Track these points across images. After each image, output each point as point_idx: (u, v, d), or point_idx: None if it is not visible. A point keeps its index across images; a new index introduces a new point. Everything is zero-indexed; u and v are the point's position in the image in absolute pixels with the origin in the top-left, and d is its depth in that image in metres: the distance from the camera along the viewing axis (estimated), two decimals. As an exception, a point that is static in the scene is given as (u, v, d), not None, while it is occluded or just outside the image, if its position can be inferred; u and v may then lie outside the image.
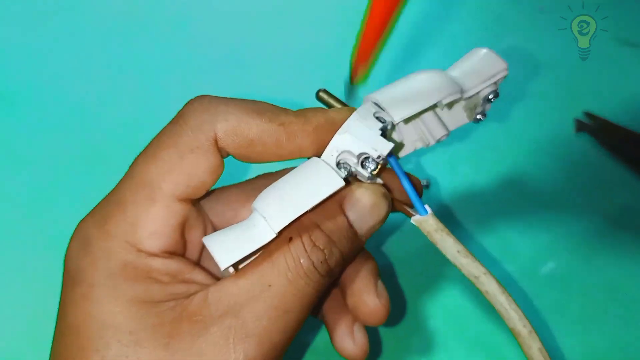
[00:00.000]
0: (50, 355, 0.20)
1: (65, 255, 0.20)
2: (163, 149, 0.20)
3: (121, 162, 0.37)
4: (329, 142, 0.21)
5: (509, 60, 0.49)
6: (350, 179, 0.22)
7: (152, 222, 0.20)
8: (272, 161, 0.22)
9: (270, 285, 0.19)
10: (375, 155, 0.21)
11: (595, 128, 0.41)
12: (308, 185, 0.20)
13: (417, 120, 0.25)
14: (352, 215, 0.21)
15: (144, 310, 0.19)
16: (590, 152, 0.40)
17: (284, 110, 0.21)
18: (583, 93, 0.44)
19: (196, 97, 0.21)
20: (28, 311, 0.31)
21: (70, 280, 0.19)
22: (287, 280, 0.19)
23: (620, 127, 0.40)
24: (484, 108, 0.26)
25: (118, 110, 0.42)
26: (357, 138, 0.21)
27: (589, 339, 0.31)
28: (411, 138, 0.26)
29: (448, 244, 0.22)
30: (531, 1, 0.51)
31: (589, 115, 0.42)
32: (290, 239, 0.20)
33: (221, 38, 0.48)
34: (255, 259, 0.20)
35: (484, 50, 0.25)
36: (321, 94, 0.24)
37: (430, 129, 0.25)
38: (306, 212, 0.20)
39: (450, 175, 0.39)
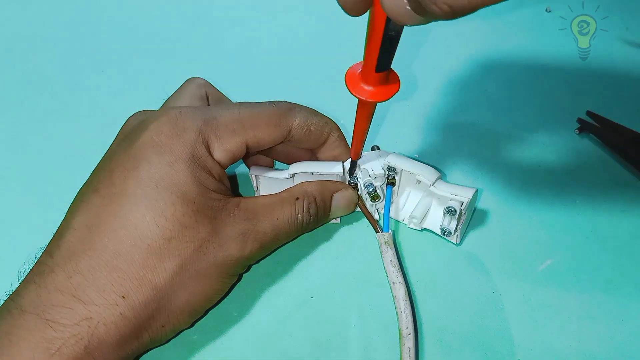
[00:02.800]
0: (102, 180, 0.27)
1: (152, 125, 0.28)
2: (262, 110, 0.31)
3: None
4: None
5: (513, 61, 0.49)
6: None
7: (229, 144, 0.30)
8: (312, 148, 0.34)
9: (277, 219, 0.30)
10: (371, 172, 0.34)
11: (599, 128, 0.41)
12: (323, 165, 0.34)
13: (410, 200, 0.36)
14: (333, 203, 0.34)
15: (203, 190, 0.28)
16: (593, 153, 0.40)
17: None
18: (585, 93, 0.44)
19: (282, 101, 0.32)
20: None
21: (157, 147, 0.27)
22: (287, 220, 0.31)
23: (623, 127, 0.40)
24: (449, 223, 0.33)
25: (125, 102, 0.42)
26: (367, 161, 0.34)
27: (585, 336, 0.31)
28: (406, 212, 0.36)
29: (388, 254, 0.31)
30: (537, 2, 0.52)
31: (592, 115, 0.42)
32: (297, 198, 0.31)
33: (228, 32, 0.49)
34: (274, 199, 0.31)
35: (471, 187, 0.33)
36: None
37: (415, 212, 0.34)
38: (313, 174, 0.34)
39: (452, 174, 0.39)
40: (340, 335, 0.31)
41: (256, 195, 0.35)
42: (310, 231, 0.34)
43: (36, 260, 0.27)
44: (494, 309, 0.32)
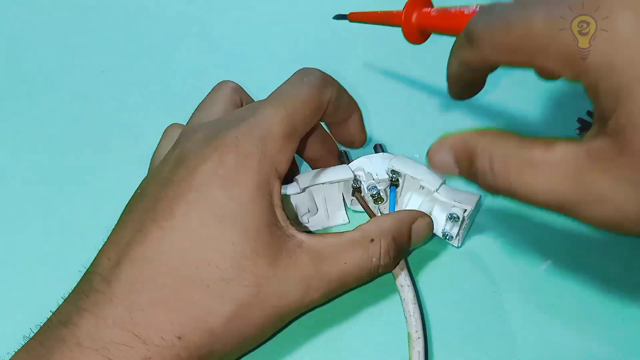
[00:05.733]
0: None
1: (213, 154, 0.27)
2: (305, 97, 0.29)
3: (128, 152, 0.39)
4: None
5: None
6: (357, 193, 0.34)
7: (287, 154, 0.28)
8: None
9: (345, 263, 0.27)
10: (375, 177, 0.33)
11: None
12: (331, 173, 0.33)
13: (412, 202, 0.35)
14: (413, 236, 0.30)
15: (264, 225, 0.26)
16: (592, 152, 0.40)
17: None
18: (585, 93, 0.44)
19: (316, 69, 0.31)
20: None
21: (220, 179, 0.26)
22: (357, 266, 0.27)
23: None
24: (452, 229, 0.33)
25: (125, 101, 0.44)
26: (372, 164, 0.34)
27: (585, 336, 0.31)
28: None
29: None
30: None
31: (592, 115, 0.41)
32: (372, 240, 0.28)
33: (229, 33, 0.50)
34: (343, 239, 0.28)
35: (474, 194, 0.33)
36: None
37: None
38: (324, 183, 0.33)
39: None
40: (341, 336, 0.31)
41: None
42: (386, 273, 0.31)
43: (82, 282, 0.26)
44: (495, 309, 0.32)
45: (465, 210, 0.32)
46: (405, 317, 0.30)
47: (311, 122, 0.30)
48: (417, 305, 0.30)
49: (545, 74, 0.23)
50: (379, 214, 0.35)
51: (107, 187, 0.37)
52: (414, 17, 0.35)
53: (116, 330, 0.24)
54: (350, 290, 0.29)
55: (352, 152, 0.37)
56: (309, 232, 0.34)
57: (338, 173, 0.33)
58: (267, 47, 0.49)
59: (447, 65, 0.27)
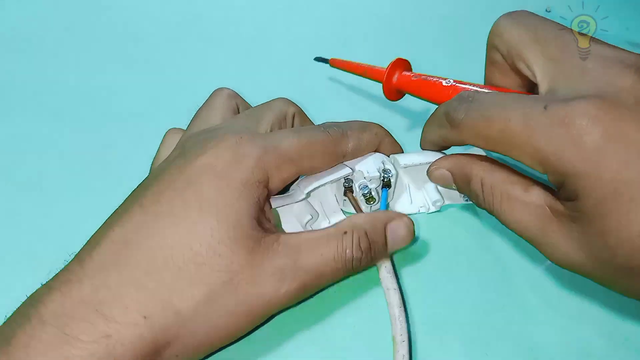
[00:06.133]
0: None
1: (211, 150, 0.28)
2: (318, 139, 0.30)
3: (130, 153, 0.39)
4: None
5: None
6: (348, 193, 0.34)
7: (286, 174, 0.29)
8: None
9: (322, 255, 0.27)
10: (366, 174, 0.33)
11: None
12: (331, 172, 0.32)
13: (423, 189, 0.36)
14: (389, 236, 0.30)
15: (246, 219, 0.26)
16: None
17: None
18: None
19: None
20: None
21: (212, 171, 0.27)
22: (332, 258, 0.28)
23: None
24: None
25: (127, 102, 0.44)
26: (363, 162, 0.33)
27: (585, 336, 0.31)
28: (418, 204, 0.36)
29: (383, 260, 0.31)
30: (537, 2, 0.52)
31: None
32: (345, 232, 0.28)
33: (230, 33, 0.50)
34: (319, 234, 0.28)
35: None
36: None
37: (431, 196, 0.35)
38: (325, 184, 0.32)
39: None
40: (341, 336, 0.31)
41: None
42: (364, 270, 0.31)
43: (65, 264, 0.26)
44: (494, 309, 0.32)
45: None
46: (391, 320, 0.29)
47: (322, 163, 0.31)
48: (402, 308, 0.29)
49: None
50: None
51: (108, 189, 0.37)
52: (395, 77, 0.37)
53: (79, 307, 0.23)
54: (328, 284, 0.29)
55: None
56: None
57: (336, 171, 0.33)
58: (266, 51, 0.49)
59: (424, 130, 0.32)
